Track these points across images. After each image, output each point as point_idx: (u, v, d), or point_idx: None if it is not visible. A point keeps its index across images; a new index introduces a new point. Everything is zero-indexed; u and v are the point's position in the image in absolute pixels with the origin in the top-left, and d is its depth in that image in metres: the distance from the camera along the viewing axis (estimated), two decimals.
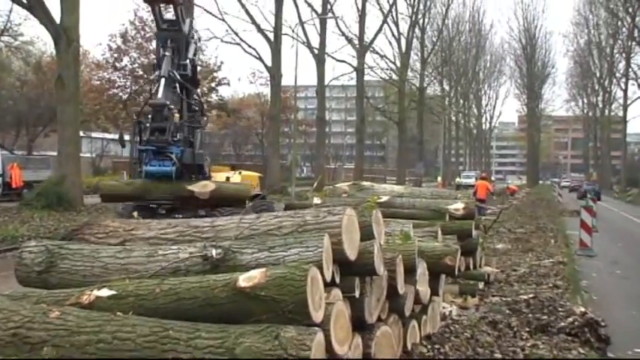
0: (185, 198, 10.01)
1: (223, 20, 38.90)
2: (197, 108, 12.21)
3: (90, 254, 4.55)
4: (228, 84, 48.26)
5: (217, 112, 47.30)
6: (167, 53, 10.82)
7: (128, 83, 40.71)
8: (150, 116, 10.48)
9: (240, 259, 4.11)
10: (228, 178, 13.15)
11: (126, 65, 41.19)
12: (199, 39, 11.62)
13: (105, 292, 3.87)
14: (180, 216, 10.21)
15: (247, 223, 4.78)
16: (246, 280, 3.61)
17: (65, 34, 22.56)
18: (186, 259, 4.22)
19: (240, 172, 15.36)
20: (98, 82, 42.67)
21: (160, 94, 10.33)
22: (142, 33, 40.19)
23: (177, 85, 10.93)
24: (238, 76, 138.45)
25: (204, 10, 37.11)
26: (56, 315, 3.60)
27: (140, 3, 47.28)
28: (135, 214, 10.78)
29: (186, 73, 11.38)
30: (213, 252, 4.13)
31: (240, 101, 65.89)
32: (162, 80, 10.47)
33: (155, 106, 10.34)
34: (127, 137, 14.04)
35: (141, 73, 40.04)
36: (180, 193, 9.87)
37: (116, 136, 13.65)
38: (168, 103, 10.28)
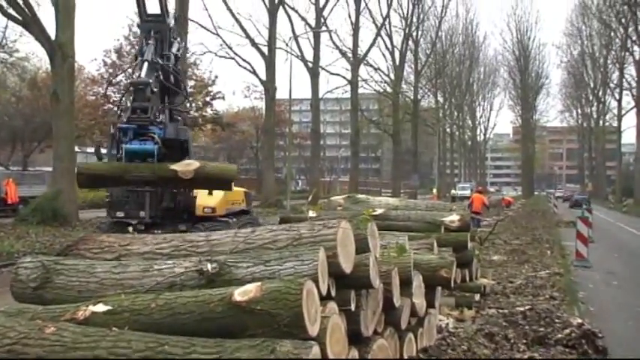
0: (167, 178, 9.34)
1: (217, 35, 39.05)
2: (183, 93, 12.01)
3: (85, 269, 4.54)
4: (223, 98, 48.29)
5: (212, 126, 47.34)
6: (151, 42, 10.65)
7: (123, 98, 40.74)
8: (131, 97, 10.23)
9: (235, 273, 4.10)
10: (211, 192, 12.73)
11: (121, 80, 41.20)
12: (185, 46, 11.45)
13: (100, 308, 3.86)
14: (159, 231, 10.04)
15: (242, 236, 4.78)
16: (241, 294, 3.60)
17: (60, 50, 22.61)
18: (182, 274, 4.21)
19: None
20: (93, 98, 42.68)
21: (142, 75, 10.14)
22: (137, 48, 40.22)
23: (161, 72, 10.68)
24: (233, 90, 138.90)
25: (199, 24, 37.07)
26: (52, 331, 3.59)
27: (135, 18, 47.69)
28: (130, 229, 10.66)
29: (169, 64, 11.16)
30: (209, 266, 4.12)
31: (234, 115, 66.00)
32: (146, 64, 10.29)
33: (137, 85, 10.11)
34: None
35: None
36: (162, 173, 9.18)
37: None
38: (150, 82, 10.04)
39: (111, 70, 41.03)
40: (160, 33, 10.96)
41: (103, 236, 5.29)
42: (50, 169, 26.59)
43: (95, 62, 44.13)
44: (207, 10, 74.69)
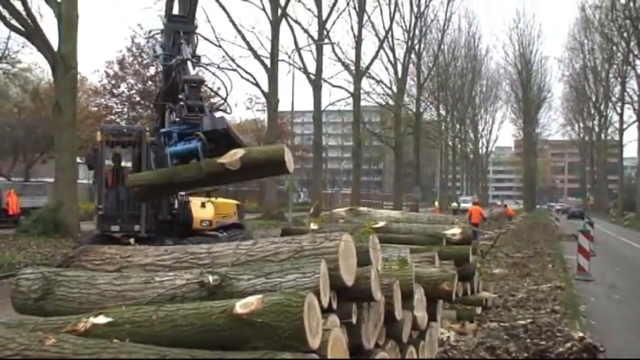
0: (216, 174, 9.05)
1: (220, 47, 39.14)
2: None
3: (86, 281, 4.54)
4: (225, 110, 48.31)
5: None
6: (182, 42, 10.27)
7: (125, 109, 40.85)
8: (184, 94, 9.71)
9: (236, 286, 4.10)
10: (203, 204, 12.47)
11: (123, 92, 41.38)
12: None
13: (101, 319, 3.85)
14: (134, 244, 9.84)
15: (244, 249, 4.78)
16: (242, 306, 3.60)
17: (63, 61, 22.70)
18: (183, 286, 4.20)
19: (211, 200, 13.30)
20: (95, 109, 42.81)
21: (192, 73, 9.82)
22: (139, 59, 40.42)
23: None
24: (235, 102, 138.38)
25: (201, 36, 37.07)
26: (52, 342, 3.58)
27: (137, 30, 47.86)
28: (132, 240, 10.54)
29: (201, 64, 10.87)
30: (210, 278, 4.12)
31: (237, 127, 65.76)
32: (189, 62, 9.94)
33: (192, 82, 9.75)
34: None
35: (138, 99, 40.18)
36: (210, 168, 8.83)
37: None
38: (204, 79, 9.80)
39: (113, 82, 41.17)
40: (187, 34, 10.70)
41: (104, 248, 5.29)
42: (52, 180, 26.62)
43: (97, 73, 44.35)
44: (209, 21, 74.36)
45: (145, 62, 39.89)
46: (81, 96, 39.29)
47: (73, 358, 3.47)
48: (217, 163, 8.73)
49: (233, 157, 8.55)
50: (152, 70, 39.09)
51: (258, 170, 9.52)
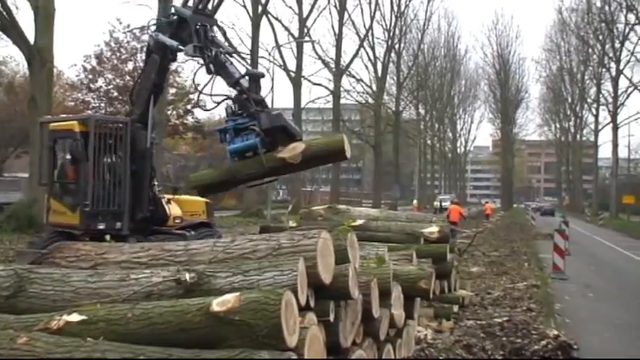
0: (277, 168, 9.20)
1: None
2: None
3: (60, 278, 4.47)
4: (204, 106, 48.05)
5: (193, 135, 47.08)
6: (214, 34, 10.21)
7: (103, 105, 40.44)
8: (242, 88, 9.59)
9: (214, 283, 4.07)
10: (169, 201, 12.08)
11: (101, 86, 40.94)
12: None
13: (75, 317, 3.80)
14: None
15: (222, 246, 4.75)
16: (219, 304, 3.57)
17: (39, 54, 22.41)
18: (159, 283, 4.16)
19: (175, 196, 12.65)
20: (72, 104, 42.29)
21: (249, 68, 9.84)
22: (118, 54, 40.03)
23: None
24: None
25: None
26: (24, 341, 3.52)
27: (116, 24, 47.36)
28: (107, 237, 10.27)
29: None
30: (187, 276, 4.08)
31: (217, 123, 65.63)
32: (235, 55, 9.98)
33: (255, 76, 9.74)
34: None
35: (116, 94, 39.80)
36: (271, 163, 8.93)
37: None
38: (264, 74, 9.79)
39: (91, 77, 40.73)
40: (211, 27, 10.35)
41: (79, 244, 5.23)
42: (26, 175, 26.26)
43: (75, 68, 43.67)
44: None
45: (123, 57, 39.52)
46: (57, 90, 38.85)
47: (45, 357, 3.42)
48: (278, 157, 8.84)
49: (293, 151, 8.71)
50: (130, 66, 38.76)
51: (318, 161, 9.76)
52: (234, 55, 10.19)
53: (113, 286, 4.29)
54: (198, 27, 10.03)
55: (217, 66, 9.80)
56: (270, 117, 9.40)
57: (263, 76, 9.84)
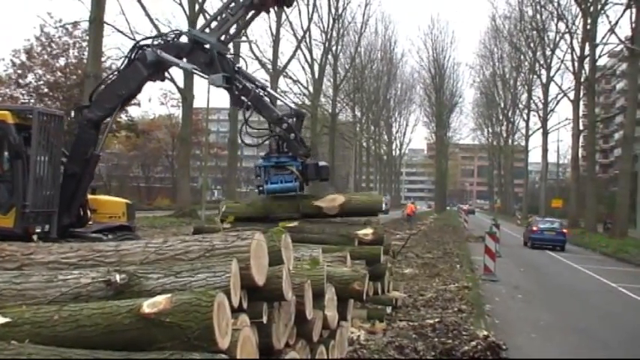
0: (311, 214, 9.40)
1: (134, 40, 38.03)
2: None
3: None
4: (139, 104, 47.20)
5: (126, 133, 46.20)
6: (238, 65, 10.61)
7: (32, 101, 39.21)
8: (289, 127, 9.78)
9: (145, 285, 4.00)
10: (87, 201, 11.45)
11: (30, 82, 39.71)
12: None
13: None
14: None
15: (153, 247, 4.67)
16: (150, 306, 3.52)
17: None
18: (88, 285, 4.07)
19: (96, 197, 11.82)
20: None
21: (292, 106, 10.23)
22: (49, 50, 38.91)
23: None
24: (149, 97, 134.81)
25: (115, 28, 35.76)
26: None
27: (47, 19, 46.05)
28: (34, 237, 9.76)
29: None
30: (117, 277, 4.00)
31: (150, 122, 64.70)
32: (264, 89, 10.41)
33: (301, 115, 10.19)
34: None
35: (46, 90, 38.66)
36: (306, 209, 9.20)
37: None
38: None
39: (20, 72, 39.44)
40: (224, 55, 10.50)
41: (4, 244, 5.04)
42: None
43: (2, 62, 42.23)
44: (124, 14, 72.49)
45: (54, 52, 38.42)
46: None
47: None
48: (315, 205, 8.92)
49: (332, 202, 8.95)
50: (62, 61, 37.72)
51: (353, 214, 9.94)
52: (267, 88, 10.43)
53: (40, 288, 4.17)
54: (221, 56, 10.07)
55: (255, 100, 9.93)
56: (317, 169, 9.79)
57: (306, 115, 9.97)
